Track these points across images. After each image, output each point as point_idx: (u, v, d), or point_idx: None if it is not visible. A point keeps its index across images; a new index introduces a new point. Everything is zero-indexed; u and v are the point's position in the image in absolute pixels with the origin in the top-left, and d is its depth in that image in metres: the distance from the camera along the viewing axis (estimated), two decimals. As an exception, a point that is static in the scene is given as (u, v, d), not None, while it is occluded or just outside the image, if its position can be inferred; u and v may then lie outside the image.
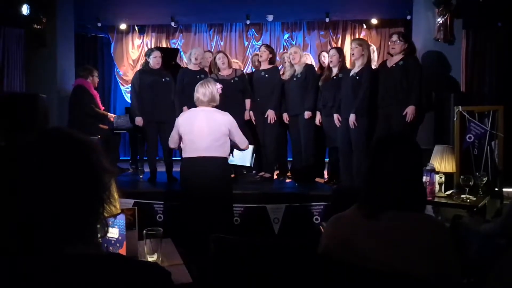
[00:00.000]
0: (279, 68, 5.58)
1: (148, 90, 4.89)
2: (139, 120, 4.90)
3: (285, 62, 5.50)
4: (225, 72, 5.04)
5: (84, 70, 5.47)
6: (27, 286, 0.78)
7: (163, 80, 4.95)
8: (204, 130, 3.29)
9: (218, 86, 3.57)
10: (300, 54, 5.00)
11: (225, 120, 3.34)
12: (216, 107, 3.46)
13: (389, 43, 4.41)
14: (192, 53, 5.07)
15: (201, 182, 3.28)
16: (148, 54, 5.06)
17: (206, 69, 5.20)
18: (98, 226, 0.89)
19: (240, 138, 3.42)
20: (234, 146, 3.49)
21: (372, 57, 4.85)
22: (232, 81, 4.96)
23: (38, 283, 0.78)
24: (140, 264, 0.93)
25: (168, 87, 4.95)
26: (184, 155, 3.39)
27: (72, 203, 0.83)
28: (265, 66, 5.16)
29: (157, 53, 4.98)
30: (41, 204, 0.80)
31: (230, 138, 3.39)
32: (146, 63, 5.03)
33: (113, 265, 0.85)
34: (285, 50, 7.75)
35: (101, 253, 0.91)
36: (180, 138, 3.40)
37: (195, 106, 3.49)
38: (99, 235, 0.90)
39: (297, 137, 5.10)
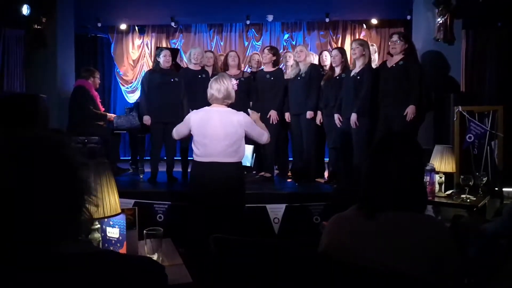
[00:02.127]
0: (281, 66, 5.60)
1: (156, 90, 4.90)
2: (146, 119, 4.92)
3: (288, 61, 5.51)
4: (232, 72, 5.08)
5: (86, 71, 5.50)
6: None
7: (172, 80, 4.95)
8: (220, 134, 3.05)
9: (234, 82, 3.27)
10: (306, 53, 5.01)
11: (241, 122, 3.08)
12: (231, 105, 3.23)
13: (390, 43, 4.41)
14: (192, 53, 5.10)
15: (213, 188, 3.07)
16: (158, 53, 5.07)
17: (207, 69, 5.21)
18: (87, 223, 0.88)
19: (258, 135, 3.18)
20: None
21: (373, 57, 4.86)
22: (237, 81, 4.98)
23: (28, 285, 0.77)
24: (132, 258, 0.92)
25: (177, 88, 4.95)
26: (196, 158, 3.15)
27: (50, 201, 0.81)
28: (269, 68, 5.16)
29: (166, 52, 4.99)
30: (18, 205, 0.78)
31: (248, 136, 3.19)
32: (157, 63, 5.04)
33: (105, 260, 0.84)
34: (286, 50, 7.77)
35: (92, 250, 0.91)
36: (188, 135, 3.21)
37: (198, 106, 3.36)
38: (83, 231, 0.89)
39: (298, 137, 5.10)
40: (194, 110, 3.28)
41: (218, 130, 3.05)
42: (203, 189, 3.13)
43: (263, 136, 3.19)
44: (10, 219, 0.79)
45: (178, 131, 3.27)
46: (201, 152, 3.11)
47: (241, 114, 3.14)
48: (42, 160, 0.82)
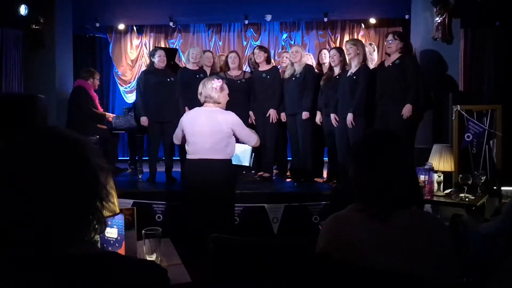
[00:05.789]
0: (278, 67, 5.60)
1: (152, 90, 4.90)
2: (144, 120, 4.91)
3: (284, 62, 5.51)
4: (234, 73, 5.10)
5: (86, 72, 5.50)
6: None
7: (168, 80, 4.97)
8: (206, 131, 3.19)
9: (216, 82, 3.28)
10: (301, 54, 5.01)
11: (227, 120, 3.21)
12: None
13: (385, 43, 4.44)
14: (190, 53, 5.10)
15: (203, 185, 3.19)
16: (152, 54, 5.08)
17: (206, 69, 5.22)
18: (97, 225, 0.89)
19: (247, 136, 3.30)
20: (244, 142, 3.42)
21: (373, 56, 4.85)
22: (238, 82, 5.01)
23: (34, 284, 0.78)
24: (136, 262, 0.93)
25: (173, 87, 4.96)
26: (188, 156, 3.32)
27: (69, 203, 0.82)
28: (264, 67, 5.17)
29: (161, 53, 5.00)
30: (38, 204, 0.79)
31: (237, 137, 3.29)
32: (151, 63, 5.05)
33: (109, 263, 0.84)
34: (284, 50, 7.77)
35: (97, 252, 0.91)
36: (184, 138, 3.33)
37: (196, 106, 3.45)
38: (96, 234, 0.90)
39: (295, 136, 5.11)
40: (186, 113, 3.45)
41: (205, 128, 3.19)
42: (194, 186, 3.26)
43: (251, 138, 3.32)
44: (25, 219, 0.79)
45: (176, 135, 3.43)
46: (191, 150, 3.26)
47: (229, 113, 3.27)
48: (60, 159, 0.83)
